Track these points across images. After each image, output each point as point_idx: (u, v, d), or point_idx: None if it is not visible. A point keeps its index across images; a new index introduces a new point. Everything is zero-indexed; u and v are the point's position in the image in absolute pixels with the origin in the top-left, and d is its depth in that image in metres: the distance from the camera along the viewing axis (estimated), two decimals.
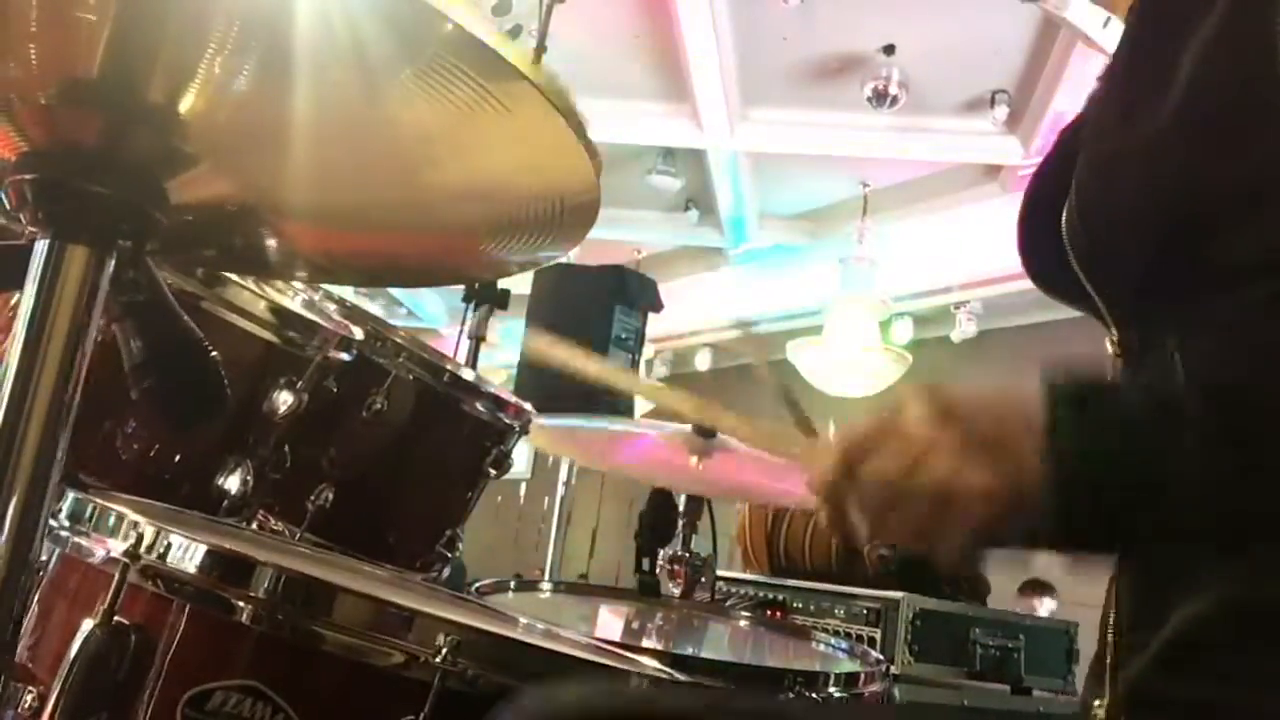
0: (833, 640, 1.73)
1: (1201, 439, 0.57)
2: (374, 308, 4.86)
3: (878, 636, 2.25)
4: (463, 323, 2.61)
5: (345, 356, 1.39)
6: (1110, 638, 0.72)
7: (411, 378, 1.50)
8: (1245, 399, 0.59)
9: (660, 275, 4.60)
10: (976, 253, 5.23)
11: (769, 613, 2.36)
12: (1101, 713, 0.70)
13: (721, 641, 1.77)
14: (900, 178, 5.21)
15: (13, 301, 0.84)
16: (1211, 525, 0.59)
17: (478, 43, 0.55)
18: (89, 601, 0.82)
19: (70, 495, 0.94)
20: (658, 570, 1.93)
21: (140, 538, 0.83)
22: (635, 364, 3.88)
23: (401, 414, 1.52)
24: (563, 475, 3.60)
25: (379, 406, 1.46)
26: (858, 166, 5.11)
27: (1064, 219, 0.73)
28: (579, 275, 3.86)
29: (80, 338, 0.67)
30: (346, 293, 1.77)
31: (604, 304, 3.78)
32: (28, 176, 0.66)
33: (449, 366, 1.60)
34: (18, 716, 0.82)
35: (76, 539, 0.90)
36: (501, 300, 2.59)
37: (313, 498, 1.44)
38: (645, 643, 1.58)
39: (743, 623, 1.87)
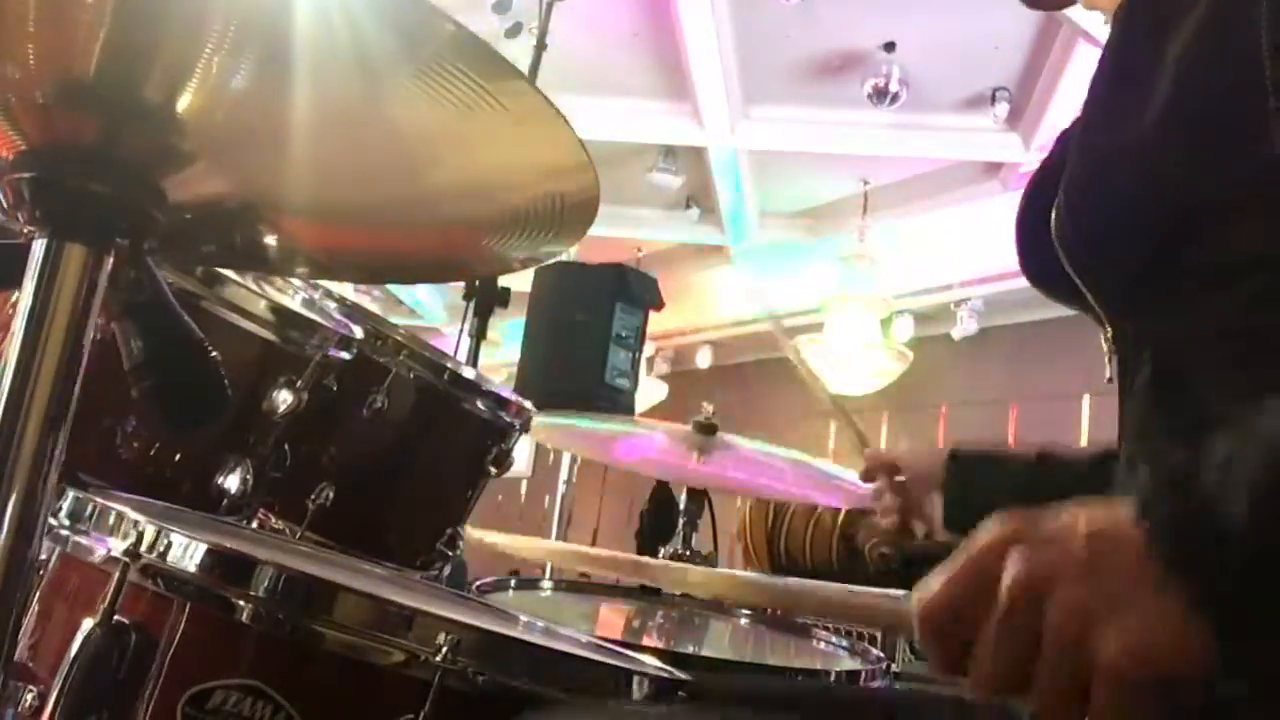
0: (834, 638, 1.73)
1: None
2: (374, 306, 4.86)
3: (878, 634, 2.25)
4: (463, 321, 2.61)
5: (345, 355, 1.39)
6: None
7: (412, 376, 1.50)
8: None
9: (661, 273, 4.60)
10: (977, 250, 5.23)
11: (770, 611, 2.36)
12: None
13: (722, 640, 1.77)
14: (901, 175, 5.20)
15: (11, 300, 0.84)
16: None
17: (477, 42, 0.55)
18: (89, 600, 0.82)
19: (70, 494, 0.93)
20: None
21: (140, 537, 0.83)
22: (636, 361, 3.89)
23: (402, 412, 1.52)
24: (563, 474, 3.60)
25: (379, 405, 1.46)
26: (858, 164, 5.11)
27: (1053, 219, 0.73)
28: (580, 273, 3.86)
29: (79, 336, 0.67)
30: (346, 291, 1.77)
31: (605, 301, 3.79)
32: (25, 175, 0.66)
33: (449, 365, 1.60)
34: (18, 715, 0.82)
35: (76, 538, 0.90)
36: (502, 298, 2.58)
37: (313, 496, 1.44)
38: (646, 641, 1.58)
39: (744, 621, 1.87)
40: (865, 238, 5.31)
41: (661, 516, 1.95)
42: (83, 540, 0.89)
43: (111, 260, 0.68)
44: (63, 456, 0.67)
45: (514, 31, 3.60)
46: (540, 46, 2.89)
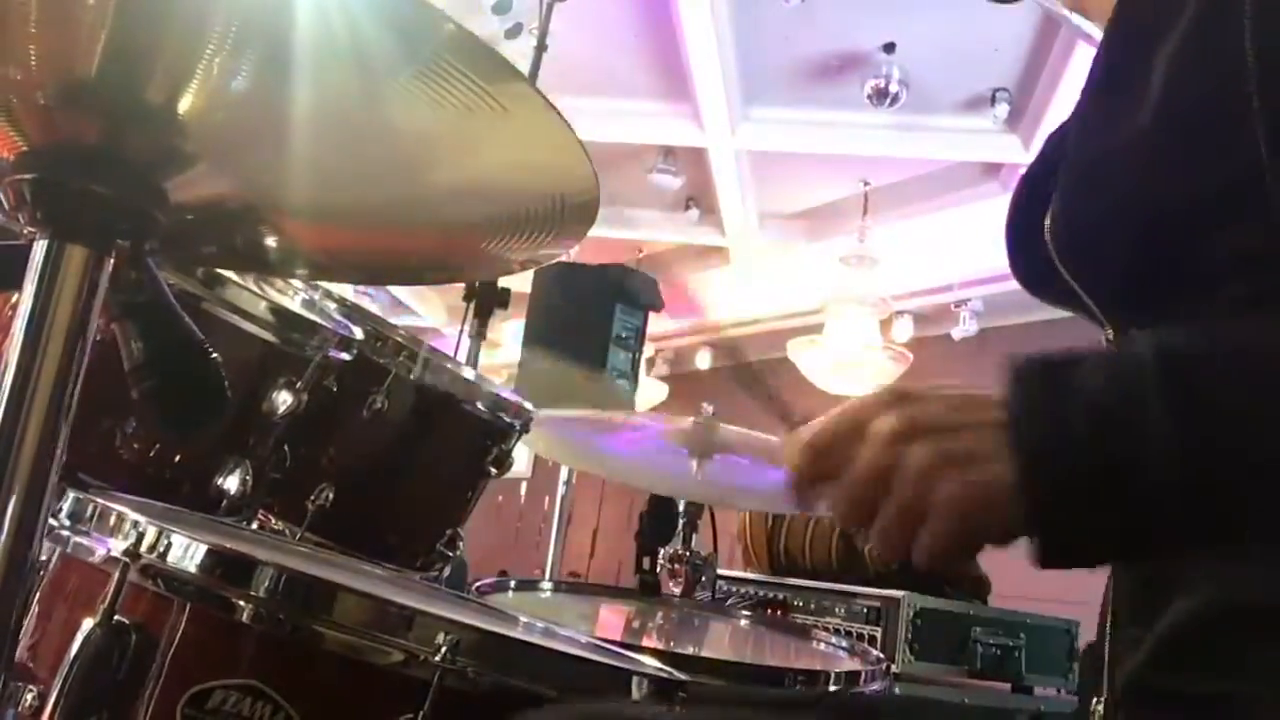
0: (833, 639, 1.73)
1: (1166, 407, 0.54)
2: (374, 307, 4.86)
3: (878, 635, 2.25)
4: (463, 322, 2.61)
5: (345, 356, 1.39)
6: (1108, 633, 0.72)
7: (412, 377, 1.50)
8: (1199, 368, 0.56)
9: (661, 274, 4.60)
10: (977, 251, 5.23)
11: (769, 611, 2.36)
12: (1100, 709, 0.71)
13: (722, 640, 1.77)
14: (901, 176, 5.20)
15: (12, 301, 0.84)
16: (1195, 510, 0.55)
17: (477, 43, 0.55)
18: (89, 601, 0.82)
19: (70, 495, 0.94)
20: (658, 569, 1.93)
21: (141, 537, 0.84)
22: (636, 362, 3.88)
23: (402, 413, 1.52)
24: (563, 475, 3.60)
25: (379, 406, 1.46)
26: (858, 165, 5.10)
27: (1048, 223, 0.73)
28: (580, 274, 3.86)
29: (79, 337, 0.67)
30: (347, 292, 1.77)
31: (605, 303, 3.78)
32: (26, 176, 0.66)
33: (449, 366, 1.60)
34: (18, 715, 0.82)
35: (77, 538, 0.90)
36: (502, 299, 2.58)
37: (313, 497, 1.44)
38: (646, 642, 1.58)
39: (743, 622, 1.87)
40: (865, 239, 5.31)
41: (661, 518, 1.95)
42: (83, 540, 0.89)
43: (112, 261, 0.69)
44: (63, 457, 0.67)
45: (514, 32, 3.60)
46: (540, 48, 2.89)
